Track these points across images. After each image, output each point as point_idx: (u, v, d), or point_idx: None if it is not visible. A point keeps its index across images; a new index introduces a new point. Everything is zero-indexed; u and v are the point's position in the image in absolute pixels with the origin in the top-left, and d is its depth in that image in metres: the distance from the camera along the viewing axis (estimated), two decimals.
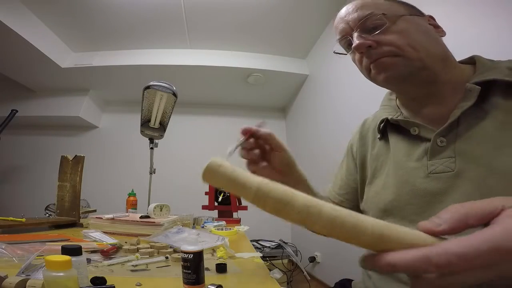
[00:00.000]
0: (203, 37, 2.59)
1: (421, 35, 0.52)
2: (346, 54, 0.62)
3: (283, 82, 3.01)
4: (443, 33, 0.56)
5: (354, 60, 0.60)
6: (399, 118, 0.57)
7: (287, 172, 0.60)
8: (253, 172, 0.57)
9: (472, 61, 0.56)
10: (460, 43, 1.14)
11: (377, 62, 0.53)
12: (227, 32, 2.52)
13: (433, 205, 0.49)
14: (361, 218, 0.29)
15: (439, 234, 0.28)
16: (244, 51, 2.78)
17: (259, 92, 3.25)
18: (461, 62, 0.57)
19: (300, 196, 0.31)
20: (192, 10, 2.23)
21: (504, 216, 0.26)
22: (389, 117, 0.58)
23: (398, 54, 0.51)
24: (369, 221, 0.29)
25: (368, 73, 0.57)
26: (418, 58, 0.51)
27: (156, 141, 1.69)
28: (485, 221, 0.27)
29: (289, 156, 0.61)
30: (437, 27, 0.56)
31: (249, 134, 0.54)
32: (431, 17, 0.57)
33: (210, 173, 0.34)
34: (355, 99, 1.95)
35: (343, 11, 0.58)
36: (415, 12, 0.55)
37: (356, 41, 0.53)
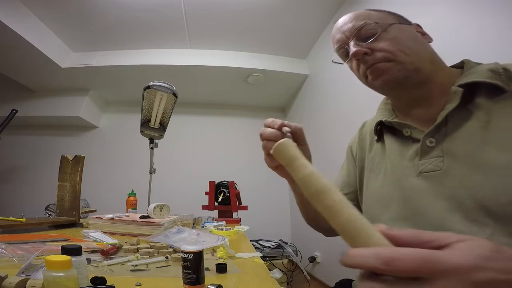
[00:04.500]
0: (203, 37, 2.59)
1: (410, 40, 0.56)
2: (342, 64, 0.66)
3: (283, 82, 3.01)
4: (430, 39, 0.60)
5: (352, 68, 0.64)
6: (393, 120, 0.60)
7: None
8: (275, 167, 0.55)
9: (462, 64, 0.59)
10: (462, 42, 1.15)
11: (372, 67, 0.56)
12: (227, 32, 2.52)
13: (424, 203, 0.51)
14: (375, 229, 0.30)
15: (388, 237, 0.29)
16: (244, 51, 2.78)
17: (259, 92, 3.25)
18: (453, 66, 0.60)
19: (334, 194, 0.33)
20: (192, 10, 2.23)
21: (453, 248, 0.27)
22: (384, 119, 0.62)
23: (391, 59, 0.55)
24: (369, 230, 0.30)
25: (365, 79, 0.61)
26: (409, 61, 0.54)
27: (156, 141, 1.69)
28: (426, 247, 0.28)
29: (309, 150, 0.61)
30: (424, 34, 0.60)
31: (281, 126, 0.53)
32: (418, 26, 0.61)
33: (282, 147, 0.40)
34: (355, 99, 1.95)
35: (340, 22, 0.62)
36: (403, 21, 0.60)
37: (352, 49, 0.57)
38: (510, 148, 0.45)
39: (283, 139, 0.41)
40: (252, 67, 2.76)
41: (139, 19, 2.30)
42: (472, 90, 0.51)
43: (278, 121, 0.53)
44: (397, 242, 0.28)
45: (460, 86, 0.51)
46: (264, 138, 0.53)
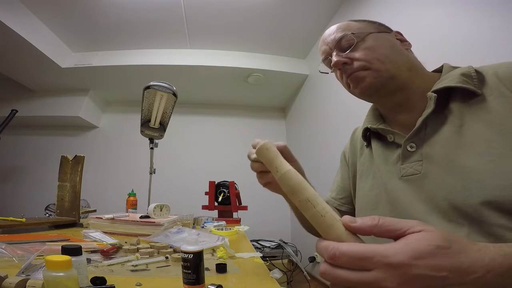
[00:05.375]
0: (203, 37, 2.59)
1: (387, 49, 0.58)
2: (328, 73, 0.69)
3: (283, 82, 3.01)
4: (409, 46, 0.62)
5: (337, 78, 0.66)
6: (378, 126, 0.62)
7: None
8: (265, 184, 0.59)
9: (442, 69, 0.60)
10: (458, 42, 1.15)
11: (351, 76, 0.59)
12: (227, 32, 2.52)
13: (406, 205, 0.53)
14: (337, 224, 0.34)
15: (350, 230, 0.33)
16: (244, 51, 2.78)
17: (259, 92, 3.25)
18: (435, 70, 0.61)
19: (306, 191, 0.37)
20: (192, 10, 2.23)
21: (403, 238, 0.30)
22: (369, 126, 0.64)
23: (367, 67, 0.57)
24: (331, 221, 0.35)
25: (348, 88, 0.64)
26: (385, 69, 0.56)
27: (156, 141, 1.69)
28: (391, 236, 0.32)
29: (299, 166, 0.64)
30: (403, 41, 0.62)
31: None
32: (398, 33, 0.63)
33: (264, 149, 0.44)
34: (355, 99, 1.95)
35: (325, 34, 0.66)
36: (383, 29, 0.62)
37: (334, 59, 0.60)
38: (479, 151, 0.46)
39: (264, 142, 0.45)
40: (252, 67, 2.76)
41: (139, 19, 2.30)
42: (447, 95, 0.52)
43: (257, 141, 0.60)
44: (358, 231, 0.33)
45: (434, 91, 0.52)
46: (250, 159, 0.57)
